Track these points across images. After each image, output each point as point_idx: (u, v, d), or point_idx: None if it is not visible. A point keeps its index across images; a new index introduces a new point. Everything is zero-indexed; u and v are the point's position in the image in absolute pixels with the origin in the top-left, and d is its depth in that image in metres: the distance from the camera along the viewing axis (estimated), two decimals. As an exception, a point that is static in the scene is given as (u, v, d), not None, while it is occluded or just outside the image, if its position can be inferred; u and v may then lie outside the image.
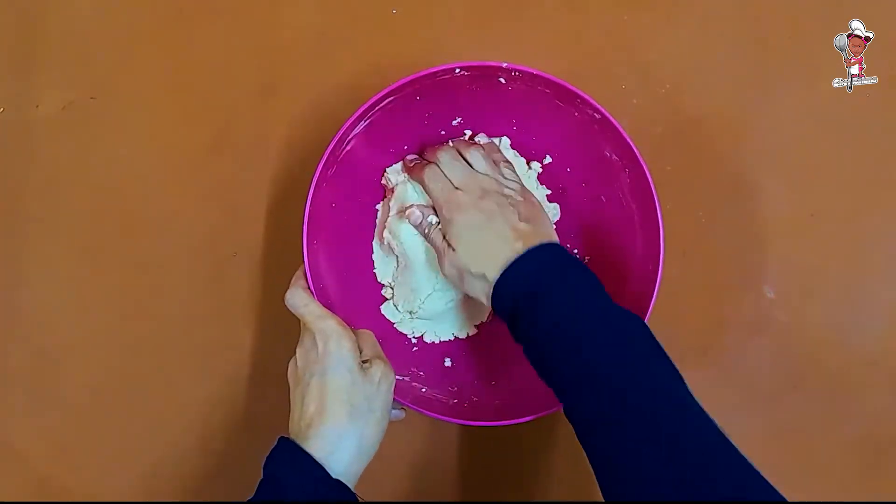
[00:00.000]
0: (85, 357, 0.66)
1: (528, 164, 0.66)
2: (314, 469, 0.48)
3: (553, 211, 0.66)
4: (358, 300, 0.64)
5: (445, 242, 0.57)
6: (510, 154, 0.65)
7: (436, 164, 0.59)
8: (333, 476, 0.49)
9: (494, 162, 0.60)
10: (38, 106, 0.68)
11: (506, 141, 0.65)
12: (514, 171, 0.60)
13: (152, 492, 0.65)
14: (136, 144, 0.68)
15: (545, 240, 0.54)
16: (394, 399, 0.57)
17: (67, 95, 0.68)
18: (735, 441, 0.66)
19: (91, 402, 0.66)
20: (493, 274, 0.53)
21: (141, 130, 0.68)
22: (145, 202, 0.68)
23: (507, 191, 0.57)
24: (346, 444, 0.50)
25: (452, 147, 0.60)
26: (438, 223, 0.58)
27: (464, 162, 0.59)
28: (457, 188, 0.57)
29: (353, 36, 0.69)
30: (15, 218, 0.67)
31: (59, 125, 0.68)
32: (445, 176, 0.58)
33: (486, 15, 0.70)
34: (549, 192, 0.66)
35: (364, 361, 0.53)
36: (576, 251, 0.66)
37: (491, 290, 0.53)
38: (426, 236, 0.59)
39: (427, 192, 0.60)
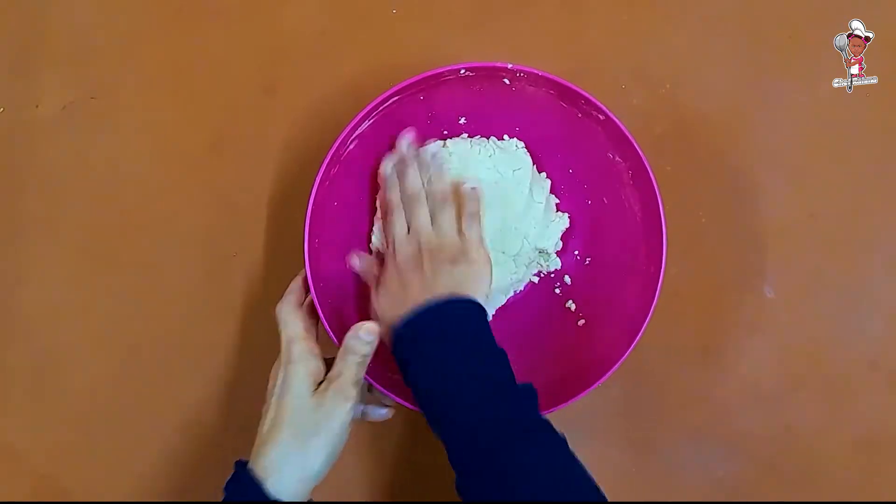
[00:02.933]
0: (85, 357, 0.66)
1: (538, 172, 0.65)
2: (253, 490, 0.50)
3: (563, 221, 0.66)
4: (358, 298, 0.64)
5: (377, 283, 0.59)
6: (526, 160, 0.64)
7: (405, 206, 0.60)
8: (271, 498, 0.49)
9: (468, 215, 0.59)
10: (38, 106, 0.68)
11: (521, 144, 0.65)
12: (479, 229, 0.60)
13: (152, 492, 0.65)
14: (136, 144, 0.68)
15: (464, 296, 0.55)
16: (390, 397, 0.58)
17: (67, 95, 0.68)
18: (735, 441, 0.67)
19: (91, 402, 0.66)
20: (397, 321, 0.54)
21: (141, 130, 0.68)
22: (145, 202, 0.68)
23: (454, 252, 0.57)
24: (289, 468, 0.51)
25: (426, 202, 0.60)
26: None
27: (428, 215, 0.59)
28: (409, 236, 0.58)
29: (353, 36, 0.69)
30: (15, 218, 0.67)
31: (59, 125, 0.68)
32: (407, 221, 0.59)
33: (485, 15, 0.70)
34: (557, 201, 0.66)
35: (324, 387, 0.53)
36: (576, 252, 0.66)
37: (392, 335, 0.54)
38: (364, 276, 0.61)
39: (385, 231, 0.61)
